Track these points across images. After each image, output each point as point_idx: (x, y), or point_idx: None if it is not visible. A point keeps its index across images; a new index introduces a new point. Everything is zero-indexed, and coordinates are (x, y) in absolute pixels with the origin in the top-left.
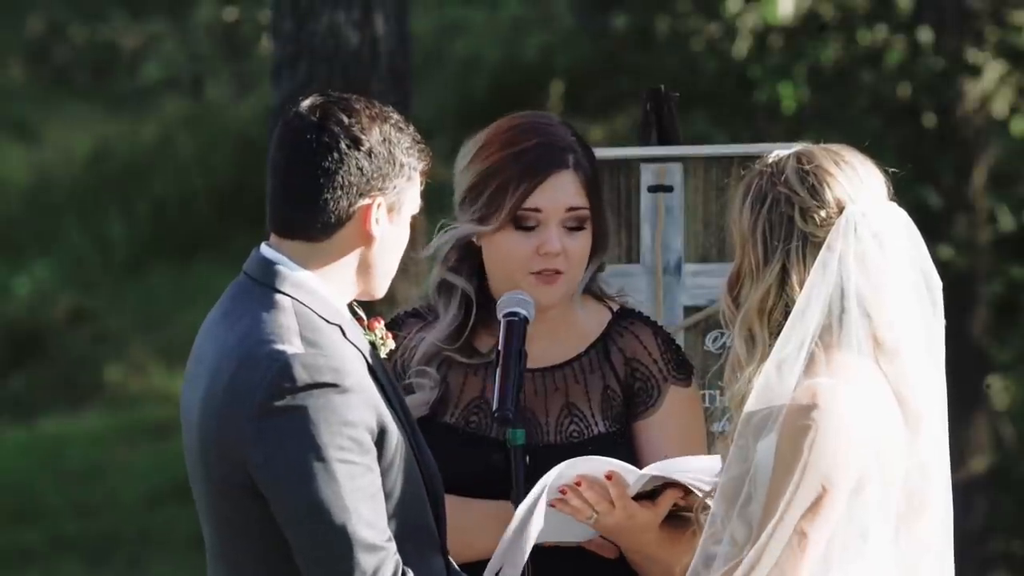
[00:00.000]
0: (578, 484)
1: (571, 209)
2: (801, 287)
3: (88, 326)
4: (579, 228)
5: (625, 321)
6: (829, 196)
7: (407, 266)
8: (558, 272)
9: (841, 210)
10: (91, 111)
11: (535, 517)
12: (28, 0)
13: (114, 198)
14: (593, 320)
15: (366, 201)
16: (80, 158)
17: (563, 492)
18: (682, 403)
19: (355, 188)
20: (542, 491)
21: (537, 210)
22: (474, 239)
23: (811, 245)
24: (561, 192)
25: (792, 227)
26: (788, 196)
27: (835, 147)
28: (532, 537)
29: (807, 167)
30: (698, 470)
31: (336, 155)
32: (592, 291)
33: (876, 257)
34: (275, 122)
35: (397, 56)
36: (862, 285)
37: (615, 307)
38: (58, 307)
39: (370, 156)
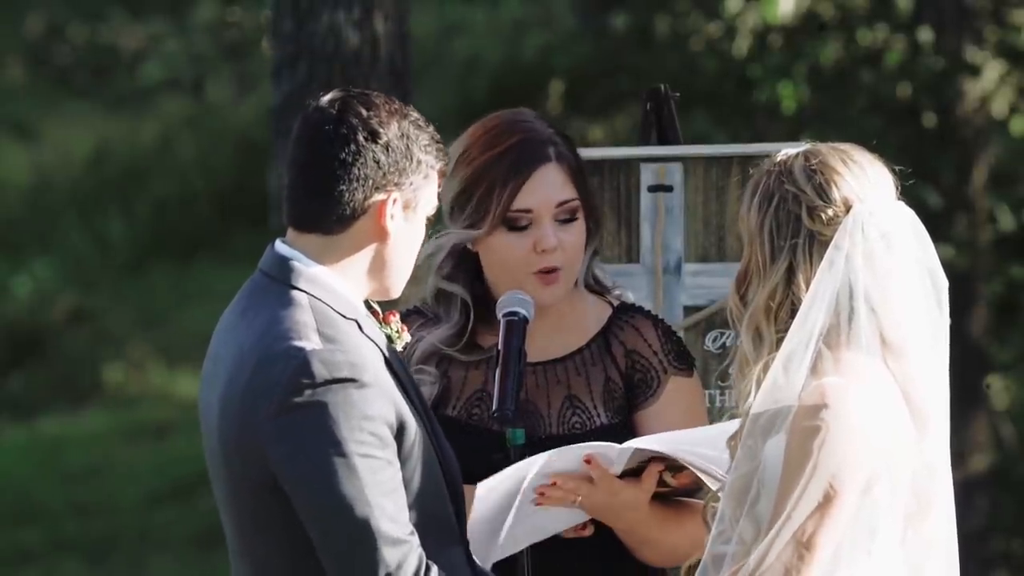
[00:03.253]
0: (553, 484)
1: (561, 204)
2: (807, 286)
3: (88, 326)
4: (572, 219)
5: (626, 315)
6: (836, 195)
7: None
8: (557, 268)
9: (848, 209)
10: (91, 111)
11: (513, 513)
12: (28, 0)
13: (114, 198)
14: (593, 315)
15: (382, 195)
16: (80, 158)
17: (541, 492)
18: (683, 393)
19: (371, 181)
20: (520, 484)
21: (528, 211)
22: (469, 245)
23: (818, 244)
24: (549, 187)
25: (799, 226)
26: (795, 195)
27: (844, 146)
28: (513, 538)
29: (815, 166)
30: (684, 442)
31: (353, 147)
32: (591, 285)
33: (883, 257)
34: (276, 122)
35: (397, 56)
36: (869, 284)
37: (615, 302)
38: (58, 307)
39: (387, 150)
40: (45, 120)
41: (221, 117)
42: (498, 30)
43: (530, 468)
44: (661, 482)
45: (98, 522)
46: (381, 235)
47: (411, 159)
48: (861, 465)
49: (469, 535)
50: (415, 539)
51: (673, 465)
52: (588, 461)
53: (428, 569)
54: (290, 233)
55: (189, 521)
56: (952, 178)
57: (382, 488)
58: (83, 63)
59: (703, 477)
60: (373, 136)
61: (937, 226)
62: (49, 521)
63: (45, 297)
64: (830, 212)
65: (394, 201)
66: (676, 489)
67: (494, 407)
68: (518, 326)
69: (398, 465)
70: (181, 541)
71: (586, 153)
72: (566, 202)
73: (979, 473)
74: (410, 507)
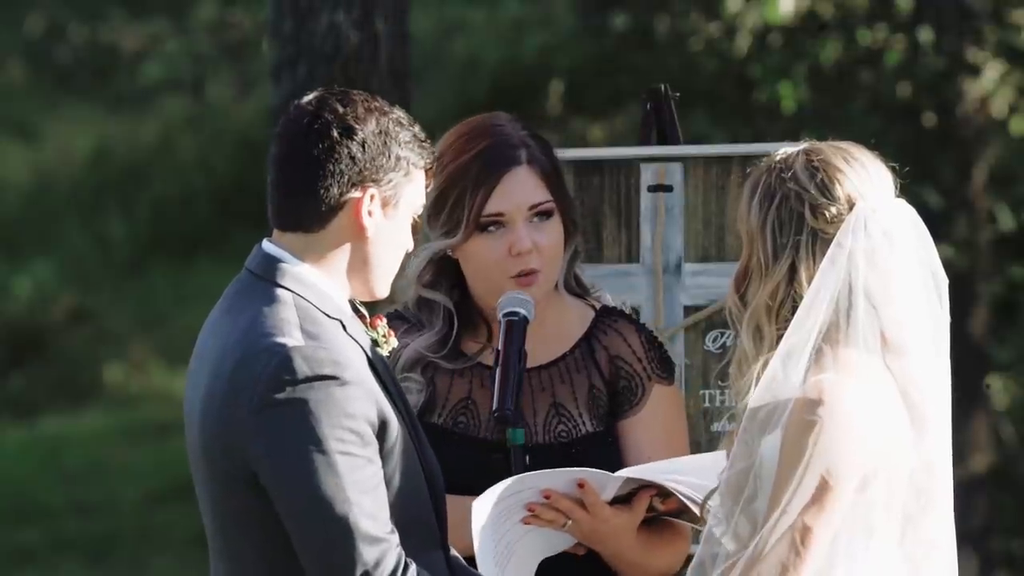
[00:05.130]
0: (547, 497)
1: (533, 207)
2: (809, 283)
3: (88, 326)
4: (547, 219)
5: (608, 319)
6: (839, 192)
7: (405, 264)
8: (535, 271)
9: (851, 207)
10: (91, 111)
11: (493, 520)
12: (28, 0)
13: (114, 198)
14: (576, 319)
15: (358, 192)
16: (80, 158)
17: (531, 509)
18: (665, 402)
19: (346, 177)
20: (498, 499)
21: (499, 214)
22: (449, 252)
23: (820, 242)
24: (519, 190)
25: (802, 224)
26: (798, 193)
27: (844, 144)
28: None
29: (816, 163)
30: (675, 471)
31: (327, 143)
32: (572, 288)
33: (886, 255)
34: (275, 122)
35: (397, 56)
36: (871, 282)
37: (597, 305)
38: (58, 307)
39: (363, 147)
40: (45, 120)
41: (221, 117)
42: (498, 30)
43: (523, 485)
44: (650, 507)
45: (98, 522)
46: (359, 232)
47: (389, 156)
48: (856, 461)
49: (477, 553)
50: (394, 538)
51: (663, 491)
52: (581, 486)
53: (406, 568)
54: (275, 232)
55: (189, 521)
56: (952, 178)
57: (362, 486)
58: (83, 63)
59: (693, 508)
60: (348, 132)
61: (937, 226)
62: (49, 521)
63: (45, 297)
64: (833, 210)
65: (371, 197)
66: (664, 513)
67: (494, 407)
68: (518, 326)
69: (379, 464)
70: (181, 541)
71: (586, 153)
72: (538, 204)
73: (979, 473)
74: (391, 508)
